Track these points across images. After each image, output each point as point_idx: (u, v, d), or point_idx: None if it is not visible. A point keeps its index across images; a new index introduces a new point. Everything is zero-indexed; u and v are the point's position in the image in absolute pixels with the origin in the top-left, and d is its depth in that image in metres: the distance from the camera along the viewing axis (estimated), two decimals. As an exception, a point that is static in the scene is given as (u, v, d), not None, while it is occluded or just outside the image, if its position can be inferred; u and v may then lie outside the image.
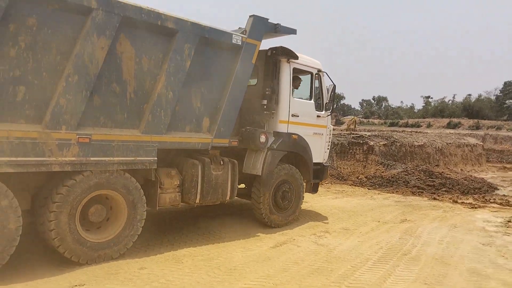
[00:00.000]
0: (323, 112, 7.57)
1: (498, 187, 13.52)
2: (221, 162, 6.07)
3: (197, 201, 5.84)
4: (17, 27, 4.20)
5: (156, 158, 5.30)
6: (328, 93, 7.58)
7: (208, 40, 5.71)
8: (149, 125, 5.24)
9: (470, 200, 10.84)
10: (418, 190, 12.01)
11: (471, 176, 15.18)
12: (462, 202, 10.45)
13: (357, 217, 8.11)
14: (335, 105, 7.86)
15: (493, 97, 53.67)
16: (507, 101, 48.97)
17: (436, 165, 16.75)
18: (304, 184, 7.44)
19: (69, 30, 4.54)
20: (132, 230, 5.17)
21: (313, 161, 7.41)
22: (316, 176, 7.56)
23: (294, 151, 7.03)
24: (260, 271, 4.82)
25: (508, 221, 8.00)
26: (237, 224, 6.81)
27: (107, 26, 4.72)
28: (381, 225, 7.47)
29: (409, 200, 10.53)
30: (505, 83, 51.20)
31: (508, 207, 9.94)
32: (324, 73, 7.61)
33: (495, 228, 7.51)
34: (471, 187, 12.71)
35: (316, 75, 7.45)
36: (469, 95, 57.36)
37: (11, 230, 4.17)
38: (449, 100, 58.40)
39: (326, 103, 7.57)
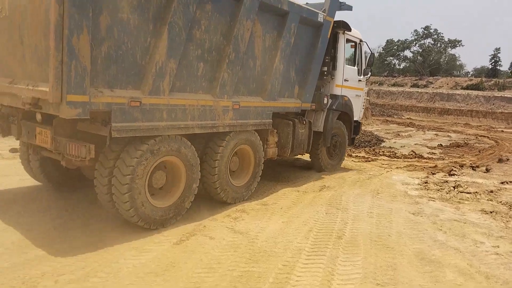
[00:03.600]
0: (362, 76, 9.20)
1: (384, 140, 14.97)
2: (304, 122, 7.53)
3: (289, 154, 7.32)
4: (200, 13, 5.07)
5: (271, 120, 6.62)
6: (366, 59, 9.17)
7: (304, 19, 6.86)
8: (268, 93, 6.46)
9: (363, 154, 11.57)
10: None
11: (361, 129, 17.47)
12: (356, 156, 11.12)
13: (273, 185, 7.22)
14: (372, 71, 9.47)
15: (376, 54, 59.78)
16: (387, 58, 54.93)
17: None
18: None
19: (229, 14, 5.48)
20: (257, 175, 6.58)
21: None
22: (355, 131, 9.39)
23: (345, 110, 8.66)
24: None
25: (425, 182, 8.16)
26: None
27: (251, 10, 5.72)
28: (302, 196, 6.68)
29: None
30: (387, 41, 56.57)
31: (396, 159, 11.19)
32: (365, 42, 9.12)
33: (416, 192, 7.42)
34: (362, 140, 13.58)
35: (359, 44, 8.95)
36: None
37: (196, 180, 5.34)
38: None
39: (365, 69, 9.19)
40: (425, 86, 45.38)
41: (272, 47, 6.42)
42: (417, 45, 56.85)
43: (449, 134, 20.06)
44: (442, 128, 23.19)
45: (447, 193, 7.39)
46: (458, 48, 61.21)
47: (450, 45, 56.96)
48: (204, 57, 5.27)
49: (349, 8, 8.18)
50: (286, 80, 6.91)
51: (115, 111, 4.23)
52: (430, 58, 55.32)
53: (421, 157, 12.13)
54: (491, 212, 6.28)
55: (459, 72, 62.52)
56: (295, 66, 7.08)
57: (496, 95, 38.00)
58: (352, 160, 10.59)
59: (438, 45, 57.05)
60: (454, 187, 7.76)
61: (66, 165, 4.71)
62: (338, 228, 5.24)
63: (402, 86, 44.51)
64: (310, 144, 7.82)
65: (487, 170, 9.90)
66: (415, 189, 7.64)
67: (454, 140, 17.29)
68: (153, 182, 4.91)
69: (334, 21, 7.99)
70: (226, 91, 5.62)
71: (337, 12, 7.87)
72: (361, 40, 8.96)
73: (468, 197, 7.15)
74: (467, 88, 43.62)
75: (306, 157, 8.95)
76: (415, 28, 57.26)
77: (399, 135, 17.98)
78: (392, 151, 12.61)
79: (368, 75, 9.34)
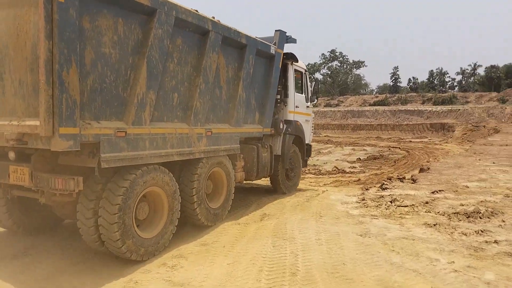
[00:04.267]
0: (309, 103, 10.01)
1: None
2: (266, 146, 8.00)
3: (255, 177, 7.69)
4: (172, 46, 5.42)
5: (239, 145, 6.99)
6: (311, 87, 10.03)
7: (259, 51, 7.48)
8: (234, 119, 6.86)
9: (290, 173, 11.20)
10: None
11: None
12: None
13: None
14: (318, 97, 10.30)
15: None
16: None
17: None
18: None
19: (197, 48, 5.89)
20: (230, 196, 6.89)
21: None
22: (307, 154, 10.03)
23: (298, 134, 9.27)
24: None
25: (362, 199, 8.14)
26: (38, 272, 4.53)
27: (216, 44, 6.18)
28: (244, 229, 6.20)
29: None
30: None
31: (321, 176, 11.93)
32: (308, 72, 10.00)
33: (357, 211, 7.32)
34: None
35: (304, 74, 9.79)
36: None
37: (178, 207, 5.48)
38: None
39: (311, 96, 10.02)
40: (336, 105, 49.38)
41: (234, 77, 6.88)
42: (325, 67, 62.78)
43: (365, 148, 21.58)
44: (357, 143, 24.92)
45: (386, 209, 7.33)
46: (362, 69, 70.08)
47: (354, 66, 63.66)
48: (178, 87, 5.55)
49: (294, 41, 9.00)
50: (248, 108, 7.36)
51: (103, 142, 4.31)
52: (338, 79, 61.20)
53: (344, 171, 12.89)
54: (434, 225, 6.26)
55: (365, 90, 70.04)
56: (254, 95, 7.58)
57: (400, 109, 42.54)
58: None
59: (344, 66, 63.43)
60: (391, 202, 7.75)
61: (45, 202, 4.61)
62: (290, 263, 4.75)
63: (316, 106, 48.22)
64: (272, 167, 8.25)
65: (414, 181, 10.25)
66: (355, 208, 7.59)
67: (370, 153, 18.61)
68: (137, 214, 4.94)
69: (284, 53, 8.74)
70: (199, 119, 5.91)
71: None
72: (306, 70, 9.80)
73: (407, 211, 7.15)
74: (374, 104, 48.35)
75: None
76: (322, 52, 64.24)
77: (320, 152, 18.98)
78: (317, 169, 13.22)
79: (315, 101, 10.15)
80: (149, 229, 5.13)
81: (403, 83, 68.27)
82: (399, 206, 7.53)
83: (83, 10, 4.09)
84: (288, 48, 8.70)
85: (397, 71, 65.24)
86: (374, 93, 64.54)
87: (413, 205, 7.54)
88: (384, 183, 9.86)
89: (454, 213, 6.90)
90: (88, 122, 4.20)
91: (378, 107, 44.85)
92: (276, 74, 8.18)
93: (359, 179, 11.37)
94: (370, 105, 48.19)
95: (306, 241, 5.56)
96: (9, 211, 5.47)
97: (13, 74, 4.12)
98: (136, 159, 4.75)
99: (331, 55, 62.59)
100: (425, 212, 7.12)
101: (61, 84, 3.83)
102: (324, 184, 10.48)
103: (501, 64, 58.29)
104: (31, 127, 3.89)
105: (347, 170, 13.30)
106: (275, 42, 8.14)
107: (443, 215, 6.89)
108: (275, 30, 8.37)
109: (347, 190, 9.51)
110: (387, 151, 20.18)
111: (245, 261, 4.84)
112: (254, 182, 9.71)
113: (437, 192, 8.76)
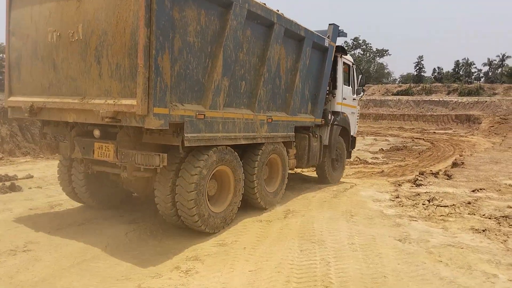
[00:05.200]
0: (356, 95, 10.19)
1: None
2: (316, 135, 8.27)
3: (305, 165, 7.99)
4: (243, 37, 5.74)
5: (294, 133, 7.29)
6: (358, 80, 10.19)
7: (315, 44, 7.72)
8: (291, 108, 7.16)
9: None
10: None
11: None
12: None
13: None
14: (364, 90, 10.47)
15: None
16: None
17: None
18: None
19: (263, 39, 6.19)
20: (284, 182, 7.25)
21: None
22: (352, 145, 10.24)
23: (344, 126, 9.49)
24: None
25: (396, 197, 7.59)
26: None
27: (279, 36, 6.47)
28: (266, 227, 5.65)
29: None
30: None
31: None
32: (355, 65, 10.17)
33: (392, 210, 6.72)
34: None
35: (351, 67, 9.95)
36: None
37: (241, 187, 5.89)
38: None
39: (357, 88, 10.19)
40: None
41: (292, 68, 7.17)
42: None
43: (387, 138, 21.20)
44: (379, 133, 24.41)
45: (425, 209, 6.73)
46: (385, 57, 69.15)
47: (378, 54, 62.35)
48: (245, 76, 5.90)
49: (345, 35, 9.19)
50: (303, 98, 7.65)
51: (186, 122, 4.71)
52: (360, 67, 60.47)
53: (366, 162, 12.70)
54: (483, 231, 5.60)
55: (388, 79, 68.49)
56: (308, 86, 7.85)
57: (424, 99, 41.50)
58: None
59: (367, 55, 62.24)
60: (429, 201, 7.15)
61: (127, 176, 5.04)
62: (321, 273, 4.12)
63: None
64: (321, 156, 8.52)
65: (449, 177, 9.78)
66: (389, 207, 6.98)
67: (393, 144, 18.28)
68: (208, 190, 5.35)
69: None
70: (262, 106, 6.25)
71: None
72: (352, 63, 9.97)
73: (448, 212, 6.49)
74: (397, 94, 47.35)
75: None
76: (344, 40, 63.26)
77: (340, 141, 18.88)
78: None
79: (361, 94, 10.31)
80: (218, 205, 5.56)
81: (428, 72, 66.66)
82: (438, 206, 6.89)
83: (175, 1, 4.46)
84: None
85: (422, 60, 63.67)
86: (397, 82, 63.33)
87: (454, 205, 6.89)
88: (418, 179, 9.34)
89: (503, 216, 6.23)
90: (175, 104, 4.59)
91: (401, 96, 44.02)
92: (329, 66, 8.41)
93: (383, 171, 11.19)
94: (393, 94, 47.29)
95: (338, 246, 4.92)
96: (87, 186, 5.99)
97: (110, 58, 4.54)
98: (211, 140, 5.14)
99: (354, 42, 61.65)
100: (469, 214, 6.49)
101: (157, 68, 4.22)
102: (346, 175, 10.36)
103: (531, 55, 56.09)
104: (128, 106, 4.31)
105: (370, 161, 13.14)
106: (328, 36, 8.35)
107: (491, 218, 6.23)
108: (329, 24, 8.59)
109: (378, 186, 9.04)
110: (410, 142, 19.81)
111: (269, 268, 4.23)
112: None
113: (478, 190, 8.19)
